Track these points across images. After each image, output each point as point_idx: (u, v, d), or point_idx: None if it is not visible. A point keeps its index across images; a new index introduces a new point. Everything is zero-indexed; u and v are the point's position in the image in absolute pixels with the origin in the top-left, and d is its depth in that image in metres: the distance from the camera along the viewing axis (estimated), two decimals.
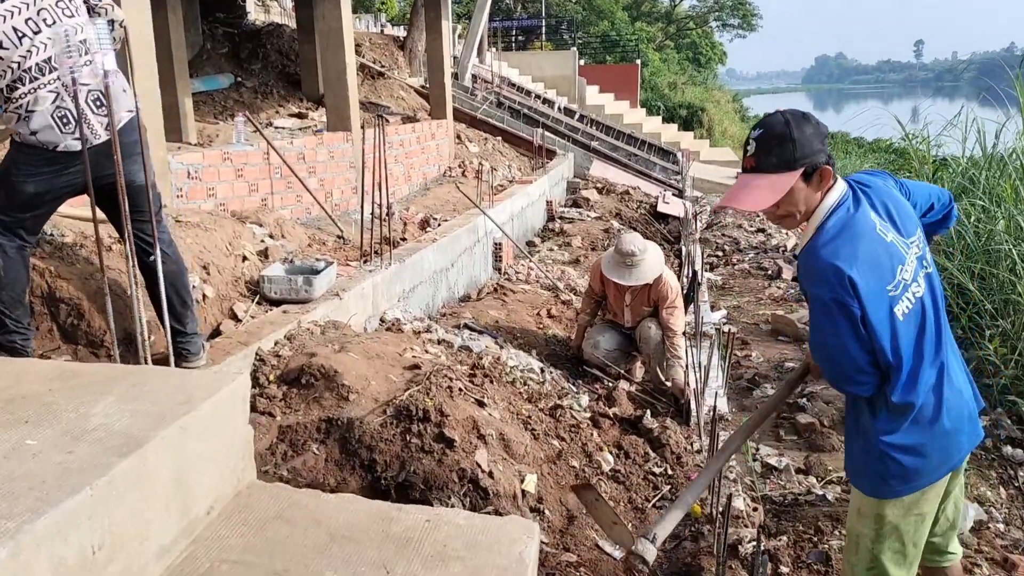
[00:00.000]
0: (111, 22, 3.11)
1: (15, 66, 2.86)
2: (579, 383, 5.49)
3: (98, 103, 2.96)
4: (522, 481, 3.50)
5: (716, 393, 4.62)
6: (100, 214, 3.37)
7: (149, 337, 3.58)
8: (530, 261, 8.16)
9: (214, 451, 2.03)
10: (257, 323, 4.17)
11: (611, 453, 4.03)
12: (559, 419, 4.15)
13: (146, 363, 3.16)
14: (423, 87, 12.90)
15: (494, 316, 6.24)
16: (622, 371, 5.64)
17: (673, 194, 12.57)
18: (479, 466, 3.34)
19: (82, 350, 3.46)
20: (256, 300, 4.52)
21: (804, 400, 5.55)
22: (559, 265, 8.57)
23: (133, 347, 3.49)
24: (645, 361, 5.61)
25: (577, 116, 15.71)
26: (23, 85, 2.88)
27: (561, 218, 10.49)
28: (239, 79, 10.88)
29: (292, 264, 5.01)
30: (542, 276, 7.87)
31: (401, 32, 16.37)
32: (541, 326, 6.30)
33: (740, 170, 2.21)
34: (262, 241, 5.56)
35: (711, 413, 4.81)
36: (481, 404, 3.74)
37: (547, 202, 10.62)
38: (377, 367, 3.78)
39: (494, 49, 23.61)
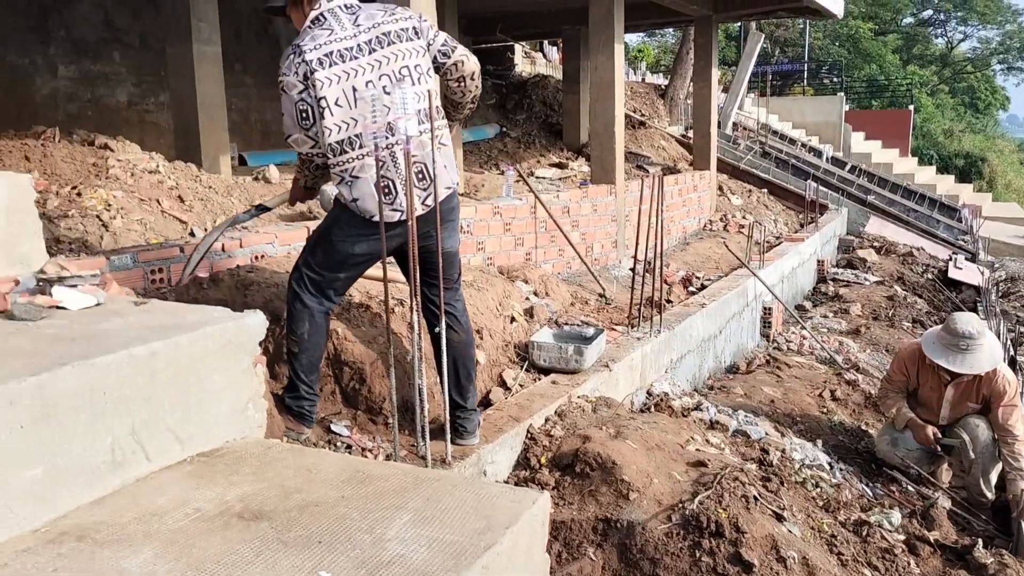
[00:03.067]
0: (461, 79, 2.98)
1: (345, 125, 2.80)
2: (875, 484, 4.73)
3: (419, 176, 2.84)
4: None
5: None
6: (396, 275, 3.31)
7: (426, 407, 3.44)
8: (803, 329, 7.40)
9: None
10: (527, 394, 3.93)
11: None
12: (867, 540, 3.49)
13: (424, 438, 2.99)
14: (683, 136, 12.49)
15: (769, 394, 5.62)
16: (924, 472, 4.80)
17: (965, 258, 11.09)
18: None
19: (361, 415, 3.38)
20: (524, 367, 4.31)
21: None
22: (835, 335, 7.71)
23: (409, 415, 3.38)
24: (965, 465, 4.70)
25: (848, 167, 14.50)
26: (352, 149, 2.81)
27: (834, 280, 9.55)
28: (504, 129, 11.11)
29: (560, 329, 4.77)
30: (817, 347, 7.09)
31: (660, 80, 16.10)
32: (824, 410, 5.57)
33: None
34: (527, 299, 5.38)
35: None
36: (779, 517, 3.21)
37: (818, 262, 9.74)
38: (658, 461, 3.38)
39: (753, 95, 22.70)
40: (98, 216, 4.02)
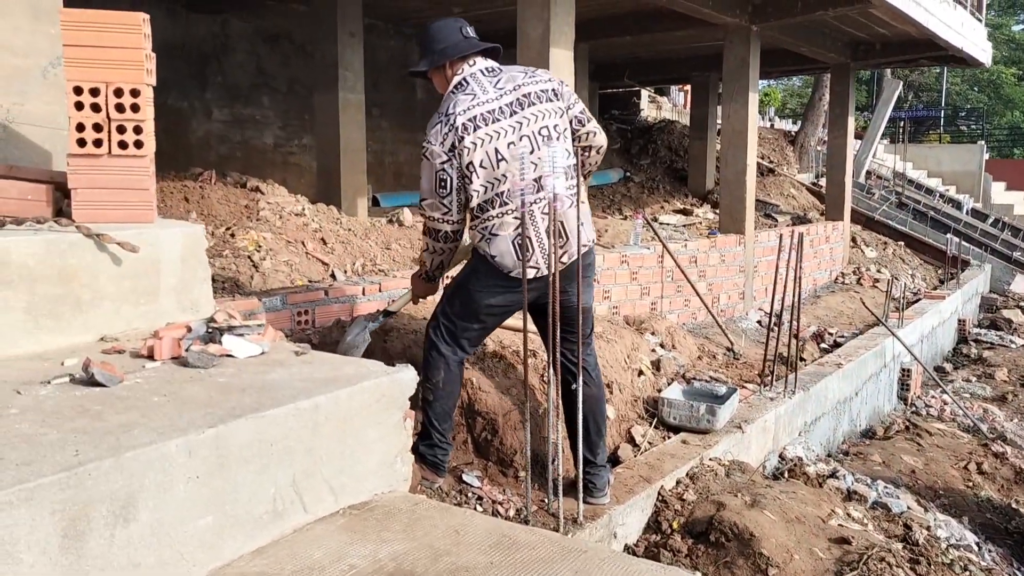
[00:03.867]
0: (587, 148, 3.03)
1: (489, 186, 2.84)
2: None
3: (557, 232, 2.86)
4: None
5: None
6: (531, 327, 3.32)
7: (553, 461, 3.42)
8: (944, 393, 6.97)
9: None
10: (656, 453, 3.84)
11: None
12: None
13: (557, 495, 2.96)
14: (814, 184, 12.13)
15: (909, 464, 5.30)
16: None
17: None
18: None
19: (492, 467, 3.38)
20: (653, 424, 4.22)
21: None
22: (978, 402, 7.23)
23: (538, 468, 3.36)
24: None
25: (991, 220, 13.70)
26: (493, 208, 2.85)
27: (976, 341, 8.99)
28: (627, 174, 11.09)
29: (690, 385, 4.65)
30: (960, 414, 6.65)
31: (788, 125, 15.73)
32: (969, 484, 5.21)
33: None
34: (653, 350, 5.29)
35: None
36: None
37: (959, 321, 9.19)
38: (798, 535, 3.22)
39: (885, 141, 21.86)
40: (249, 256, 4.23)
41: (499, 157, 2.82)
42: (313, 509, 1.99)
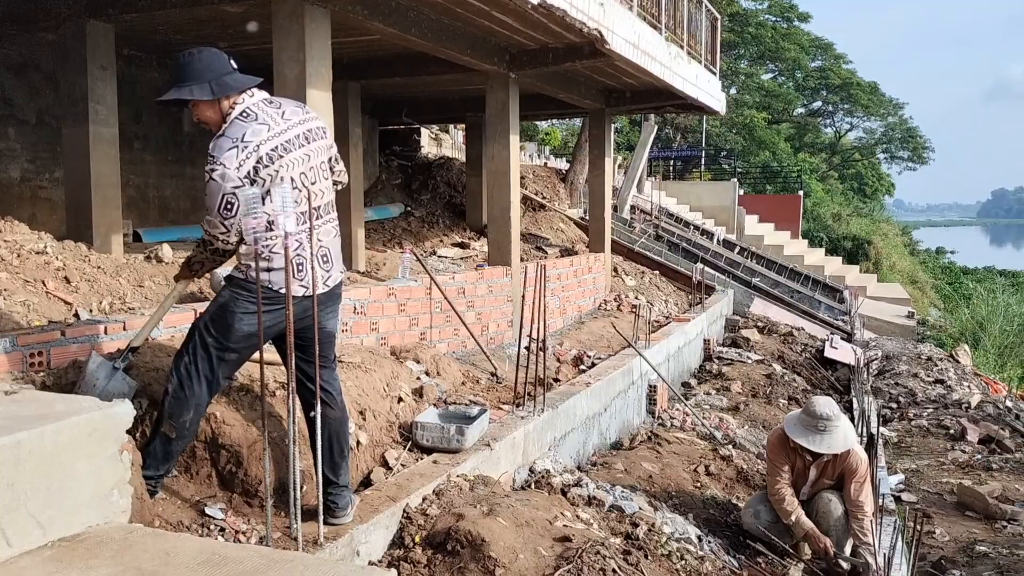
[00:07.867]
0: (336, 184, 3.33)
1: (273, 212, 2.92)
2: (740, 557, 5.01)
3: (324, 259, 3.09)
4: None
5: None
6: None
7: (302, 487, 3.55)
8: (686, 406, 7.77)
9: None
10: (407, 475, 4.07)
11: None
12: None
13: (296, 519, 3.09)
14: (582, 219, 13.04)
15: (647, 470, 5.89)
16: (787, 546, 5.11)
17: (841, 337, 11.83)
18: None
19: (237, 499, 3.46)
20: (408, 447, 4.45)
21: None
22: (716, 412, 8.11)
23: (285, 497, 3.47)
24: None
25: (737, 249, 15.35)
26: (275, 230, 2.92)
27: (719, 359, 10.05)
28: (408, 208, 11.40)
29: (446, 408, 4.94)
30: (698, 424, 7.45)
31: (563, 164, 16.78)
32: (698, 484, 5.88)
33: None
34: (417, 379, 5.55)
35: None
36: None
37: (704, 341, 10.23)
38: (526, 536, 3.56)
39: (653, 178, 23.80)
40: None
41: (293, 185, 2.98)
42: (18, 543, 2.02)
